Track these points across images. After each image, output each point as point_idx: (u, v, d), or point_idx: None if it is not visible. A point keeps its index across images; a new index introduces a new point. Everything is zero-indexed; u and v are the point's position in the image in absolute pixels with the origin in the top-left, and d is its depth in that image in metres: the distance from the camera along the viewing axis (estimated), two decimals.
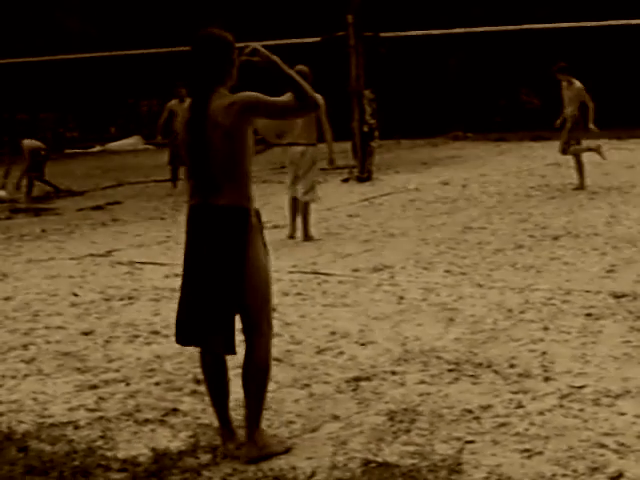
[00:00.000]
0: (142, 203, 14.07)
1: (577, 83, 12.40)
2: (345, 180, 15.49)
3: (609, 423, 4.16)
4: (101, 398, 4.95)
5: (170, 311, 6.67)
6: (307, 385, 4.98)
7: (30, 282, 8.19)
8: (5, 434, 4.43)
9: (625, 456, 3.80)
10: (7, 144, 15.73)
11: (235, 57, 4.01)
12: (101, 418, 4.64)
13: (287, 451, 4.03)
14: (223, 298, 3.95)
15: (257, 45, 3.96)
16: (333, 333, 6.00)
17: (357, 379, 5.02)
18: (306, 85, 3.96)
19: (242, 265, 3.91)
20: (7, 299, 7.54)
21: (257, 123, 4.50)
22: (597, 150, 12.85)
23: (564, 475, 3.65)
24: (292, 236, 9.78)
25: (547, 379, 4.83)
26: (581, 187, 12.52)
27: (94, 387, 5.15)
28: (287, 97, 4.03)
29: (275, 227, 10.35)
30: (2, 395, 5.10)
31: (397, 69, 25.90)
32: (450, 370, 5.08)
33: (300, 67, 8.54)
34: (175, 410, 4.69)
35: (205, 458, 4.02)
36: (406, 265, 8.10)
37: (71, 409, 4.81)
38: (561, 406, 4.42)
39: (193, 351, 5.23)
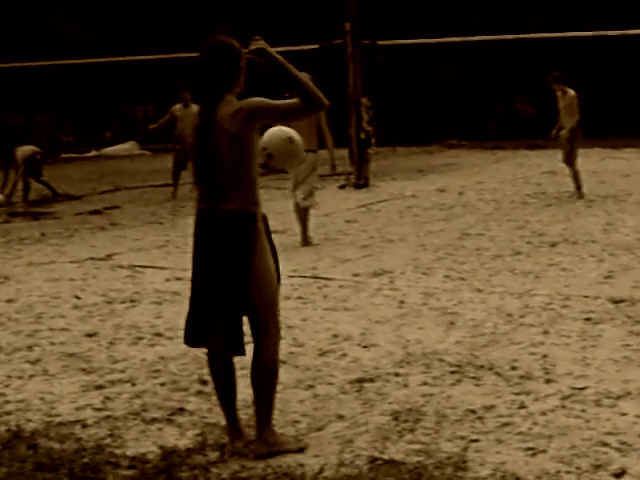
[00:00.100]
0: (140, 208, 14.11)
1: (571, 92, 12.50)
2: (342, 186, 15.56)
3: (611, 423, 4.23)
4: (107, 398, 5.00)
5: (172, 314, 6.77)
6: (311, 386, 5.05)
7: (32, 285, 8.23)
8: (14, 432, 4.48)
9: (627, 454, 3.87)
10: (3, 149, 15.73)
11: (242, 64, 4.08)
12: (108, 417, 4.70)
13: (301, 450, 4.08)
14: (229, 300, 4.02)
15: (264, 44, 4.01)
16: (335, 336, 6.07)
17: (360, 380, 5.08)
18: (311, 85, 4.03)
19: (248, 268, 3.99)
20: (9, 301, 7.58)
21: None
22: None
23: (568, 472, 3.73)
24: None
25: (548, 381, 4.91)
26: (580, 196, 12.58)
27: (100, 387, 5.20)
28: (293, 100, 4.10)
29: (274, 232, 10.38)
30: (9, 395, 5.15)
31: (394, 77, 26.01)
32: (452, 372, 5.15)
33: (302, 74, 8.59)
34: (182, 409, 4.75)
35: (213, 455, 4.09)
36: (405, 270, 8.17)
37: (78, 408, 4.87)
38: (563, 407, 4.49)
39: (197, 352, 5.31)
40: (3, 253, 10.14)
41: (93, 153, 26.93)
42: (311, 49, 17.05)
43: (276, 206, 11.72)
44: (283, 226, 10.41)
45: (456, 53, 26.46)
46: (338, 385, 5.03)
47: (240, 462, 4.00)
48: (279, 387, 4.78)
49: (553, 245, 9.11)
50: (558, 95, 12.65)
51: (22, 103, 27.25)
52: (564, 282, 7.40)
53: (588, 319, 6.17)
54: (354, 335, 6.05)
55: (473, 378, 5.02)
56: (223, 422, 4.29)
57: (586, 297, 6.81)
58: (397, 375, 5.14)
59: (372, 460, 3.93)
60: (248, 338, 4.11)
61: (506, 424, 4.29)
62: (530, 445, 4.01)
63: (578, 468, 3.76)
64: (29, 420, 4.69)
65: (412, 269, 8.22)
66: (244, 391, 4.37)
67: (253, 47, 4.01)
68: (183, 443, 4.25)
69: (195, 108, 14.24)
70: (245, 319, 4.11)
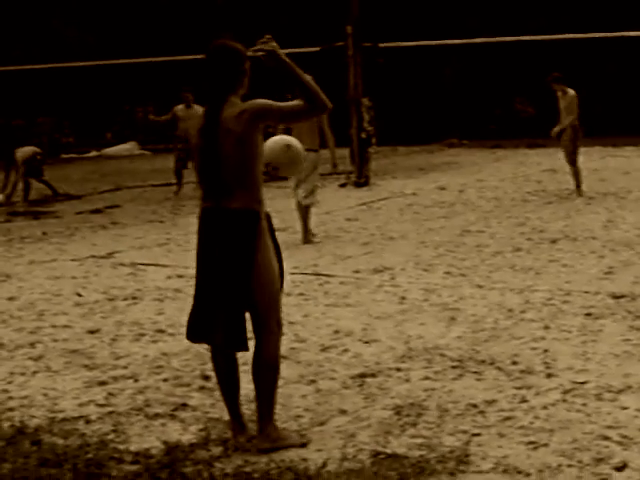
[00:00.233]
0: (141, 207, 14.13)
1: (571, 92, 12.53)
2: (342, 185, 15.59)
3: (612, 417, 4.25)
4: (110, 394, 5.02)
5: (174, 310, 6.79)
6: (313, 381, 5.07)
7: (33, 282, 8.25)
8: (18, 428, 4.49)
9: (629, 447, 3.89)
10: (3, 151, 15.75)
11: (247, 67, 4.12)
12: (112, 413, 4.71)
13: (303, 445, 4.10)
14: (232, 296, 4.05)
15: (276, 46, 4.02)
16: (337, 332, 6.09)
17: (362, 375, 5.10)
18: (316, 87, 4.06)
19: (251, 265, 4.04)
20: (11, 299, 7.60)
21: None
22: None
23: (570, 466, 3.74)
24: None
25: (549, 375, 4.92)
26: (579, 194, 12.60)
27: (103, 383, 5.22)
28: (297, 101, 4.13)
29: (275, 230, 10.41)
30: (13, 391, 5.17)
31: (394, 78, 26.03)
32: (454, 367, 5.17)
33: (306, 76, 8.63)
34: (184, 405, 4.77)
35: (217, 450, 4.10)
36: (406, 267, 8.19)
37: (81, 404, 4.88)
38: (564, 401, 4.51)
39: (199, 348, 5.33)
40: (5, 252, 10.15)
41: (93, 153, 26.95)
42: (313, 51, 17.12)
43: (277, 204, 11.74)
44: (284, 224, 10.43)
45: (456, 55, 26.50)
46: (340, 380, 5.05)
47: (243, 457, 4.01)
48: (281, 382, 4.80)
49: (553, 242, 9.13)
50: (559, 95, 12.68)
51: (23, 105, 27.26)
52: (565, 278, 7.42)
53: (589, 314, 6.19)
54: (355, 331, 6.07)
55: (474, 373, 5.04)
56: (226, 417, 4.31)
57: (586, 292, 6.83)
58: (399, 370, 5.16)
59: (375, 454, 3.95)
60: (251, 334, 4.12)
61: (508, 418, 4.31)
62: (532, 439, 4.03)
63: (579, 462, 3.78)
64: (33, 416, 4.71)
65: (413, 266, 8.24)
66: (247, 386, 4.38)
67: (265, 47, 4.01)
68: (186, 438, 4.27)
69: (197, 109, 14.30)
70: (248, 315, 4.13)
